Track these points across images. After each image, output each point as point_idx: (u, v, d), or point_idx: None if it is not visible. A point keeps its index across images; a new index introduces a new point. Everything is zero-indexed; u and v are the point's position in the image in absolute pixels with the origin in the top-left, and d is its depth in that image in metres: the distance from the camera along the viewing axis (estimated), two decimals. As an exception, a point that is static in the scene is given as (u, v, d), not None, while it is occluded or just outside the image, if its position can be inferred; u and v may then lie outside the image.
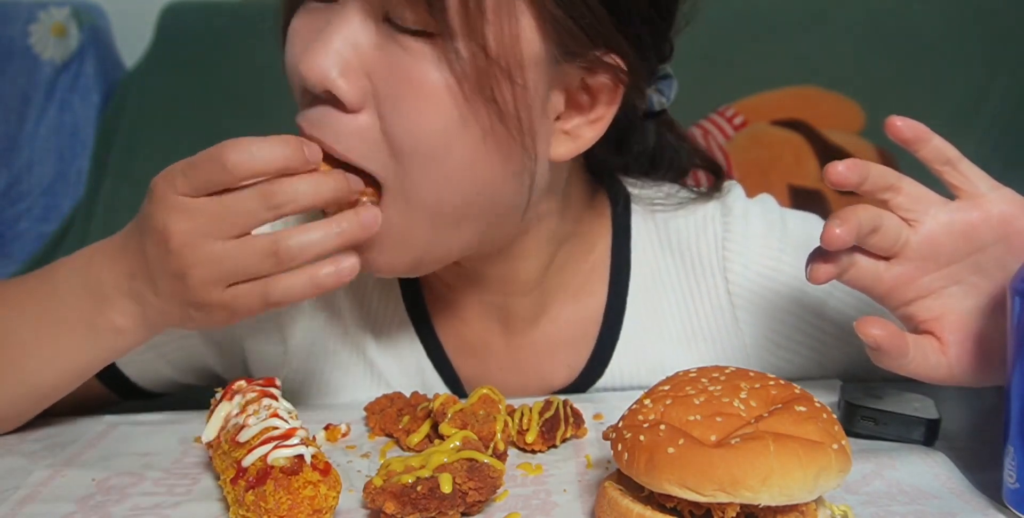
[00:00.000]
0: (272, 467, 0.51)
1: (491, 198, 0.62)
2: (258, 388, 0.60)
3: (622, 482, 0.51)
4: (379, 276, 0.67)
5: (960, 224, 0.57)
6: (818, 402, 0.50)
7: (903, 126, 0.57)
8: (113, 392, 0.79)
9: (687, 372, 0.53)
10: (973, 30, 1.47)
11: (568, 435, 0.64)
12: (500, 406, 0.63)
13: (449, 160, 0.60)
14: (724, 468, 0.45)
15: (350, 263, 0.59)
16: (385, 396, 0.69)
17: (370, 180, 0.61)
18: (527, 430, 0.63)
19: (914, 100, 1.39)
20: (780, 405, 0.49)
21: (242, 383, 0.62)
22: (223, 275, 0.58)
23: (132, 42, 1.69)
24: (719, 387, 0.50)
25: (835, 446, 0.47)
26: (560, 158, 0.64)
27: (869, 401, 0.63)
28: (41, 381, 0.66)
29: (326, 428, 0.67)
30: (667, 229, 0.75)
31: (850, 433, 0.54)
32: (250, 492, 0.51)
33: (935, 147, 0.57)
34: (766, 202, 0.76)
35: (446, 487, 0.51)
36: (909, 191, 0.57)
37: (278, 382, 0.62)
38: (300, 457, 0.52)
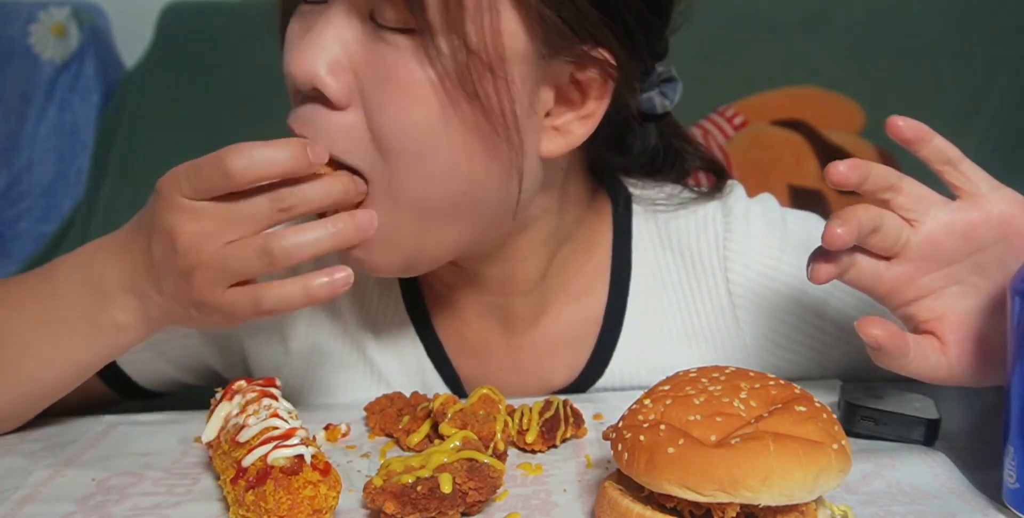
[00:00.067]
0: (272, 467, 0.51)
1: (479, 196, 0.62)
2: (258, 388, 0.60)
3: (622, 482, 0.51)
4: (374, 275, 0.67)
5: (961, 224, 0.57)
6: (818, 402, 0.50)
7: (904, 126, 0.57)
8: (115, 391, 0.79)
9: (687, 372, 0.53)
10: (973, 30, 1.47)
11: (568, 435, 0.64)
12: (500, 406, 0.63)
13: (435, 157, 0.60)
14: (724, 468, 0.45)
15: (344, 275, 0.59)
16: (385, 396, 0.69)
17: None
18: (527, 430, 0.63)
19: (914, 100, 1.39)
20: (780, 405, 0.49)
21: (242, 383, 0.62)
22: (225, 276, 0.58)
23: (132, 42, 1.69)
24: (719, 387, 0.50)
25: (835, 446, 0.47)
26: (550, 155, 0.64)
27: (869, 401, 0.63)
28: (43, 380, 0.66)
29: (326, 428, 0.67)
30: (668, 229, 0.75)
31: (850, 433, 0.54)
32: (250, 492, 0.51)
33: (936, 147, 0.57)
34: (767, 202, 0.76)
35: (446, 487, 0.51)
36: (910, 191, 0.57)
37: (278, 382, 0.62)
38: (300, 457, 0.52)
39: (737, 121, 1.47)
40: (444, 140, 0.59)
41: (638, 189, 0.77)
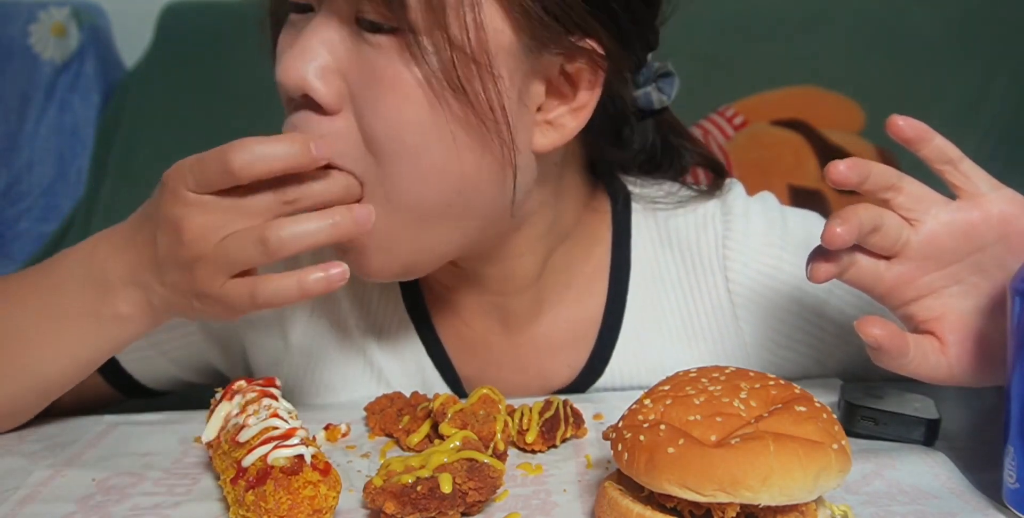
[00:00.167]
0: (272, 467, 0.51)
1: (473, 194, 0.62)
2: (258, 388, 0.60)
3: (622, 482, 0.51)
4: (372, 281, 0.67)
5: (961, 224, 0.57)
6: (818, 402, 0.50)
7: (905, 125, 0.57)
8: (117, 390, 0.79)
9: (687, 372, 0.53)
10: (973, 30, 1.47)
11: (568, 435, 0.64)
12: (500, 406, 0.63)
13: (427, 156, 0.60)
14: (724, 468, 0.45)
15: (339, 270, 0.59)
16: (385, 396, 0.69)
17: None
18: (527, 430, 0.63)
19: (914, 100, 1.39)
20: (780, 405, 0.49)
21: (242, 383, 0.62)
22: (225, 266, 0.58)
23: (132, 42, 1.69)
24: (719, 387, 0.50)
25: (835, 446, 0.47)
26: (543, 149, 0.64)
27: (869, 401, 0.63)
28: (46, 375, 0.66)
29: (326, 428, 0.67)
30: (667, 227, 0.75)
31: (850, 433, 0.54)
32: (250, 492, 0.51)
33: (936, 147, 0.57)
34: (766, 200, 0.76)
35: (446, 487, 0.51)
36: (910, 191, 0.57)
37: (278, 382, 0.62)
38: (300, 457, 0.52)
39: (737, 121, 1.47)
40: (435, 138, 0.59)
41: (637, 187, 0.77)
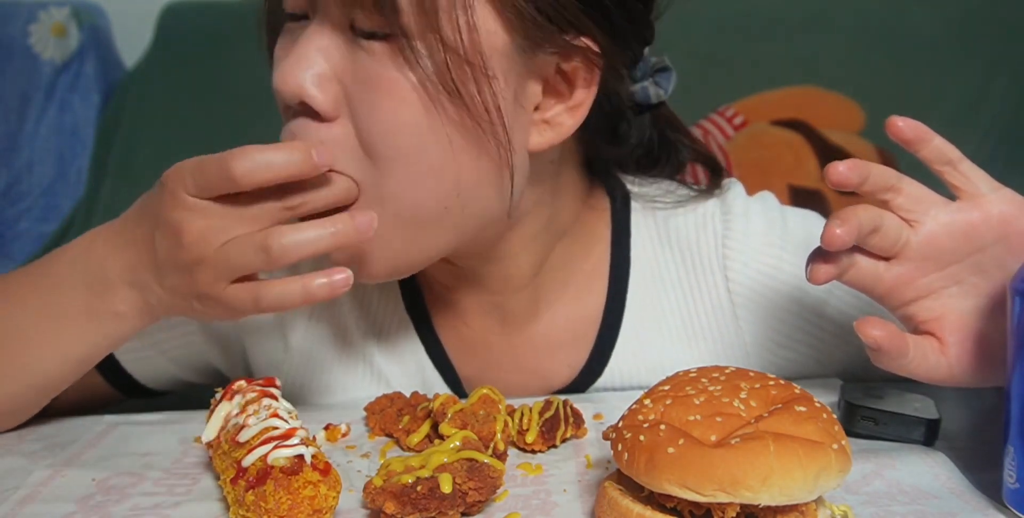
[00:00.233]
0: (272, 467, 0.51)
1: (470, 196, 0.62)
2: (258, 388, 0.60)
3: (622, 482, 0.51)
4: (364, 281, 0.67)
5: (960, 224, 0.57)
6: (818, 402, 0.50)
7: (904, 126, 0.57)
8: (117, 390, 0.79)
9: (687, 372, 0.53)
10: (973, 30, 1.47)
11: (568, 435, 0.64)
12: (500, 406, 0.63)
13: (424, 160, 0.60)
14: (724, 468, 0.45)
15: (343, 276, 0.59)
16: (385, 396, 0.69)
17: None
18: (527, 430, 0.63)
19: (914, 100, 1.39)
20: (780, 405, 0.49)
21: (242, 383, 0.62)
22: (227, 271, 0.58)
23: (132, 42, 1.69)
24: (719, 387, 0.50)
25: (835, 446, 0.47)
26: (539, 148, 0.64)
27: (869, 401, 0.63)
28: (44, 373, 0.66)
29: (326, 428, 0.67)
30: (667, 227, 0.75)
31: (850, 433, 0.54)
32: (250, 492, 0.51)
33: (936, 147, 0.57)
34: (766, 200, 0.76)
35: (446, 487, 0.51)
36: (910, 191, 0.57)
37: (278, 382, 0.62)
38: (300, 457, 0.52)
39: (737, 121, 1.47)
40: (432, 141, 0.59)
41: (636, 186, 0.77)
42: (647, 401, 0.51)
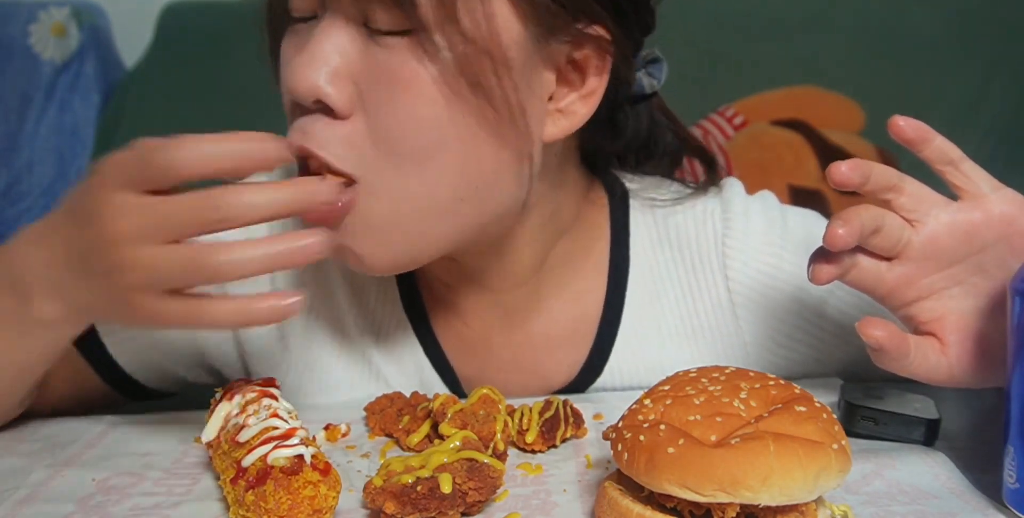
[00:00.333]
0: (272, 467, 0.51)
1: (488, 189, 0.62)
2: (258, 388, 0.60)
3: (622, 482, 0.51)
4: (370, 273, 0.67)
5: (962, 225, 0.57)
6: (818, 402, 0.50)
7: (906, 126, 0.57)
8: (117, 392, 0.79)
9: (687, 372, 0.53)
10: (973, 30, 1.47)
11: (568, 435, 0.64)
12: (500, 406, 0.63)
13: (445, 154, 0.60)
14: (724, 468, 0.45)
15: (293, 301, 0.55)
16: (385, 396, 0.69)
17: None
18: (527, 430, 0.63)
19: (914, 100, 1.39)
20: (780, 405, 0.49)
21: (242, 383, 0.62)
22: (154, 282, 0.54)
23: (132, 42, 1.69)
24: (719, 387, 0.50)
25: (835, 446, 0.47)
26: (554, 137, 0.64)
27: (869, 401, 0.63)
28: None
29: (326, 428, 0.67)
30: (666, 225, 0.75)
31: (850, 433, 0.54)
32: (250, 492, 0.51)
33: (937, 147, 0.57)
34: (766, 199, 0.76)
35: (446, 487, 0.51)
36: (911, 191, 0.57)
37: (278, 382, 0.62)
38: (300, 457, 0.52)
39: (737, 121, 1.47)
40: (452, 135, 0.59)
41: (634, 184, 0.77)
42: (647, 401, 0.51)
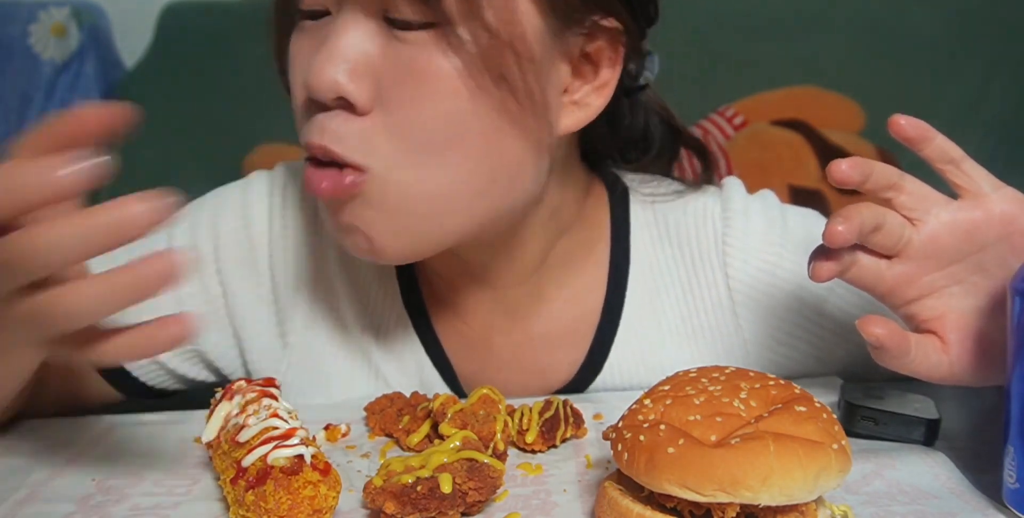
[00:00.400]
0: (272, 467, 0.51)
1: (508, 181, 0.63)
2: (258, 388, 0.60)
3: (622, 482, 0.51)
4: (380, 262, 0.67)
5: (962, 223, 0.57)
6: (818, 402, 0.50)
7: (906, 124, 0.57)
8: (117, 390, 0.79)
9: (687, 372, 0.53)
10: (973, 30, 1.47)
11: (568, 435, 0.64)
12: (500, 406, 0.63)
13: (468, 147, 0.60)
14: (724, 468, 0.45)
15: (178, 328, 0.50)
16: (385, 396, 0.69)
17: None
18: (527, 430, 0.63)
19: (914, 100, 1.39)
20: (780, 405, 0.49)
21: (242, 383, 0.62)
22: (20, 337, 0.51)
23: (132, 42, 1.69)
24: (719, 387, 0.50)
25: (835, 446, 0.47)
26: (570, 129, 0.65)
27: (869, 401, 0.63)
28: None
29: (326, 428, 0.67)
30: (667, 223, 0.75)
31: (850, 433, 0.54)
32: (250, 492, 0.51)
33: (938, 146, 0.57)
34: (766, 198, 0.76)
35: (446, 487, 0.51)
36: (912, 190, 0.57)
37: (278, 382, 0.62)
38: (300, 457, 0.51)
39: (737, 121, 1.47)
40: (475, 129, 0.60)
41: (634, 182, 0.78)
42: (647, 401, 0.51)
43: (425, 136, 0.59)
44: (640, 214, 0.76)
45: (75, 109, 0.48)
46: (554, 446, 0.63)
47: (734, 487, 0.45)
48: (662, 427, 0.48)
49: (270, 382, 0.62)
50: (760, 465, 0.45)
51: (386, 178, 0.60)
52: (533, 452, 0.63)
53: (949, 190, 0.58)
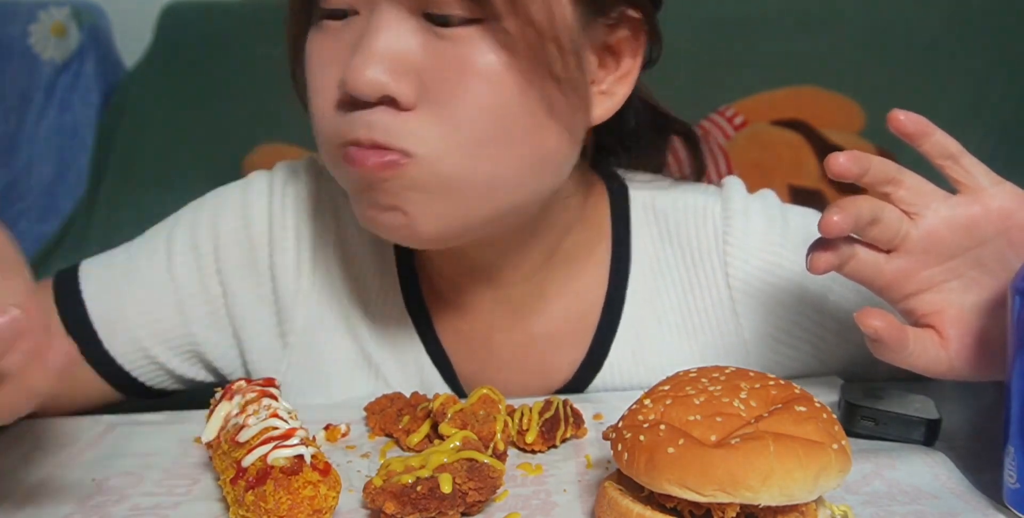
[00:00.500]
0: (272, 467, 0.51)
1: (545, 169, 0.64)
2: (258, 388, 0.60)
3: (622, 482, 0.51)
4: (415, 246, 0.67)
5: (961, 218, 0.57)
6: (818, 402, 0.50)
7: (905, 120, 0.57)
8: (116, 389, 0.79)
9: (687, 372, 0.53)
10: (973, 30, 1.47)
11: (568, 435, 0.64)
12: (500, 406, 0.63)
13: (512, 138, 0.61)
14: (724, 468, 0.45)
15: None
16: (385, 396, 0.69)
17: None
18: (527, 430, 0.63)
19: (914, 100, 1.39)
20: (780, 405, 0.49)
21: (242, 383, 0.62)
22: None
23: (132, 42, 1.69)
24: (719, 387, 0.50)
25: (835, 446, 0.47)
26: (600, 119, 0.67)
27: (869, 401, 0.63)
28: None
29: (326, 428, 0.67)
30: (667, 222, 0.76)
31: (850, 433, 0.54)
32: (250, 492, 0.51)
33: (937, 141, 0.57)
34: (767, 198, 0.76)
35: (446, 487, 0.51)
36: (911, 184, 0.57)
37: (278, 382, 0.62)
38: (300, 457, 0.52)
39: (737, 121, 1.47)
40: (522, 121, 0.61)
41: (633, 182, 0.78)
42: (647, 401, 0.51)
43: (473, 129, 0.60)
44: (640, 213, 0.76)
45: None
46: (554, 446, 0.63)
47: (734, 487, 0.45)
48: (662, 427, 0.48)
49: (270, 382, 0.62)
50: (760, 465, 0.45)
51: (434, 164, 0.60)
52: (533, 452, 0.63)
53: (949, 187, 0.58)
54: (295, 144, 1.43)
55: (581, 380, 0.76)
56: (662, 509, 0.48)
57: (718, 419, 0.48)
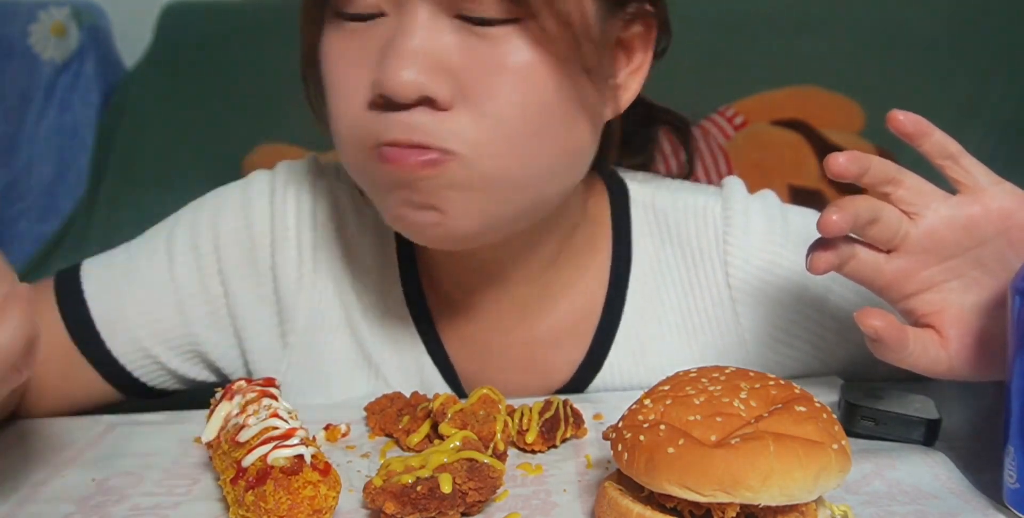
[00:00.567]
0: (272, 467, 0.51)
1: (574, 162, 0.66)
2: (258, 388, 0.60)
3: (622, 482, 0.51)
4: (443, 246, 0.67)
5: (961, 218, 0.57)
6: (818, 402, 0.50)
7: (905, 120, 0.57)
8: (116, 389, 0.79)
9: (687, 372, 0.53)
10: (973, 30, 1.47)
11: (568, 435, 0.64)
12: (500, 406, 0.63)
13: (549, 134, 0.62)
14: (724, 468, 0.45)
15: None
16: (385, 396, 0.69)
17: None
18: (527, 430, 0.63)
19: (914, 100, 1.39)
20: (780, 405, 0.49)
21: (242, 383, 0.62)
22: None
23: (132, 42, 1.69)
24: (719, 387, 0.50)
25: (835, 446, 0.47)
26: (619, 112, 0.68)
27: (869, 401, 0.63)
28: None
29: (326, 428, 0.67)
30: (667, 222, 0.76)
31: (850, 433, 0.54)
32: (250, 492, 0.51)
33: (936, 141, 0.57)
34: (767, 198, 0.76)
35: (446, 487, 0.51)
36: (910, 184, 0.57)
37: (278, 382, 0.62)
38: (300, 457, 0.52)
39: (737, 121, 1.47)
40: (558, 116, 0.61)
41: (632, 181, 0.78)
42: (647, 401, 0.51)
43: (512, 126, 0.60)
44: (640, 212, 0.76)
45: None
46: (554, 446, 0.63)
47: (734, 487, 0.45)
48: (662, 427, 0.48)
49: (270, 382, 0.62)
50: (760, 465, 0.45)
51: (474, 161, 0.60)
52: (533, 452, 0.63)
53: (949, 187, 0.58)
54: (295, 144, 1.43)
55: (581, 380, 0.76)
56: (662, 509, 0.48)
57: (718, 419, 0.48)
